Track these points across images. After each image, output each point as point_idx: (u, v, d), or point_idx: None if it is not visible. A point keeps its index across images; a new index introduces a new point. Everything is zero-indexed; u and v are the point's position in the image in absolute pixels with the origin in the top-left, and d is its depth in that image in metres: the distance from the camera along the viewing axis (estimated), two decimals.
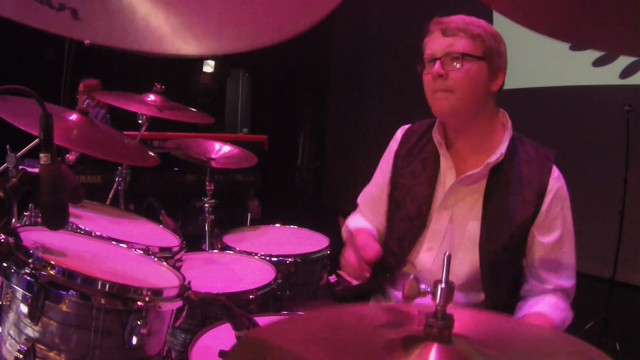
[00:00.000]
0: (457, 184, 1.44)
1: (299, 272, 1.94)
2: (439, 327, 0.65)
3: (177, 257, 1.51)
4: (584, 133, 4.20)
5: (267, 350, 0.67)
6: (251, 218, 2.67)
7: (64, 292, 0.99)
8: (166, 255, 1.46)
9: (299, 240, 2.20)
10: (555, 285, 1.41)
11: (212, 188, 2.54)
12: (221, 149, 2.54)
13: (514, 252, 1.42)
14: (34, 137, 1.57)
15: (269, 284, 1.67)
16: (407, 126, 1.63)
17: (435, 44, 1.39)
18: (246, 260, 1.91)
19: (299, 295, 1.96)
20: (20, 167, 0.94)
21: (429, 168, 1.50)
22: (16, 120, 1.42)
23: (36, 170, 0.90)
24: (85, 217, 1.57)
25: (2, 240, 0.97)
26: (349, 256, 1.43)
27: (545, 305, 1.38)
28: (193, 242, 2.44)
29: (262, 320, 1.22)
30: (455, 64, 1.35)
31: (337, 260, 1.55)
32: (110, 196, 2.56)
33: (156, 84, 2.36)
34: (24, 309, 0.98)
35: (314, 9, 0.63)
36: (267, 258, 1.91)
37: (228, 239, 2.10)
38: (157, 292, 1.07)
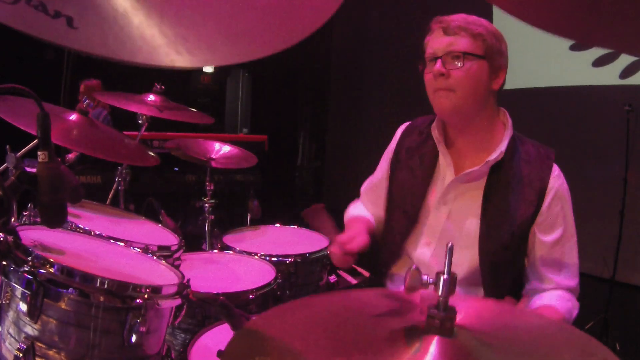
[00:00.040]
0: (456, 180, 1.44)
1: (298, 272, 1.94)
2: (441, 319, 0.66)
3: (176, 255, 1.51)
4: (584, 133, 4.19)
5: (264, 342, 0.67)
6: (251, 218, 2.68)
7: (63, 290, 0.99)
8: (165, 253, 1.46)
9: (298, 240, 2.20)
10: (558, 285, 1.41)
11: (212, 188, 2.54)
12: (221, 149, 2.54)
13: (515, 252, 1.42)
14: (34, 137, 1.57)
15: (268, 284, 1.67)
16: (410, 122, 1.64)
17: (436, 42, 1.39)
18: (246, 260, 1.91)
19: (298, 295, 1.95)
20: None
21: (427, 164, 1.50)
22: (16, 120, 1.43)
23: (35, 169, 0.90)
24: (84, 216, 1.57)
25: (2, 238, 0.97)
26: (334, 248, 1.43)
27: (551, 298, 1.38)
28: (193, 242, 2.44)
29: None
30: (456, 62, 1.35)
31: None
32: (110, 196, 2.57)
33: (156, 84, 2.36)
34: (23, 307, 0.98)
35: (306, 22, 0.64)
36: (267, 258, 1.90)
37: (228, 239, 2.10)
38: (156, 290, 1.08)
